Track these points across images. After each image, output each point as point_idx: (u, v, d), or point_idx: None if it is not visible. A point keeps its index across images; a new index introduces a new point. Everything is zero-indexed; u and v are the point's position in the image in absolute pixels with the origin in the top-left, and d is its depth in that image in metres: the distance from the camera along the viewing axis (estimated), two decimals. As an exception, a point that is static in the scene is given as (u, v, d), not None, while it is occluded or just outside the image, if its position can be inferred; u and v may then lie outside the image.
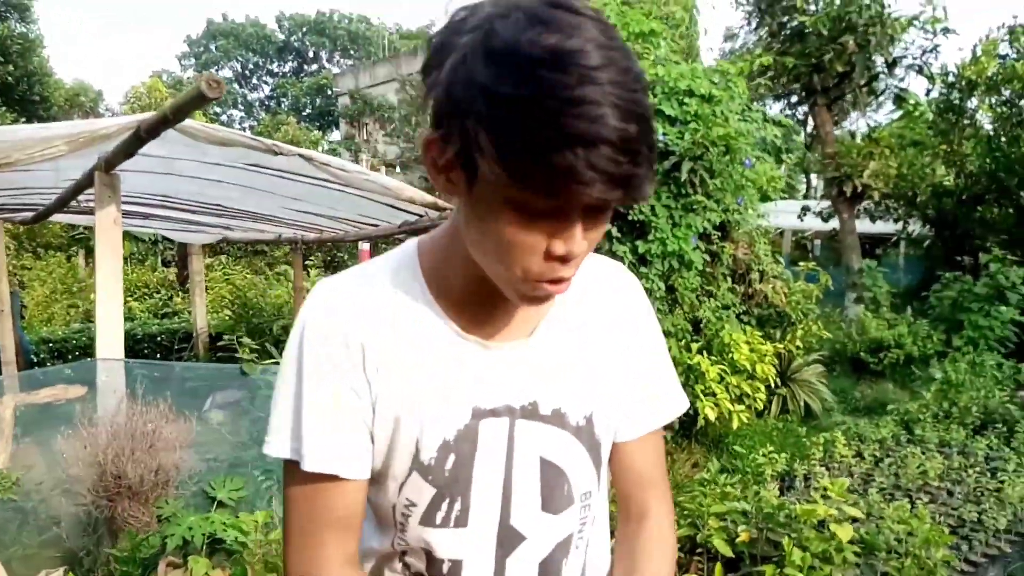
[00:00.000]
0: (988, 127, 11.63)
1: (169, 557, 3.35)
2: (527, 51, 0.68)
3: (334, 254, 18.62)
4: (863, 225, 12.86)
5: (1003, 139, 10.67)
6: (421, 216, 5.04)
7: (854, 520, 3.28)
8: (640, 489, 1.06)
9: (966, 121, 11.84)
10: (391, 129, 28.51)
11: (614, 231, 5.50)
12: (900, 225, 12.61)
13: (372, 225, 6.31)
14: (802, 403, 6.92)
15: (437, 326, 0.91)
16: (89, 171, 3.91)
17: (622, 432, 1.03)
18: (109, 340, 3.83)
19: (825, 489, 3.46)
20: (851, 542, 3.12)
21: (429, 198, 4.54)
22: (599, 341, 0.99)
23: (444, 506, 0.92)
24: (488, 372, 0.92)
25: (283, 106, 47.41)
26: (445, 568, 0.94)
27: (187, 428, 3.79)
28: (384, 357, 0.89)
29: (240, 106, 49.44)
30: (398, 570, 0.99)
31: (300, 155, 3.87)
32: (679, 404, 1.08)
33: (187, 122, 3.25)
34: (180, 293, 12.88)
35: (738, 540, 3.34)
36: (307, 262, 14.47)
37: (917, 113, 11.77)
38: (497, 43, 0.70)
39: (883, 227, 13.46)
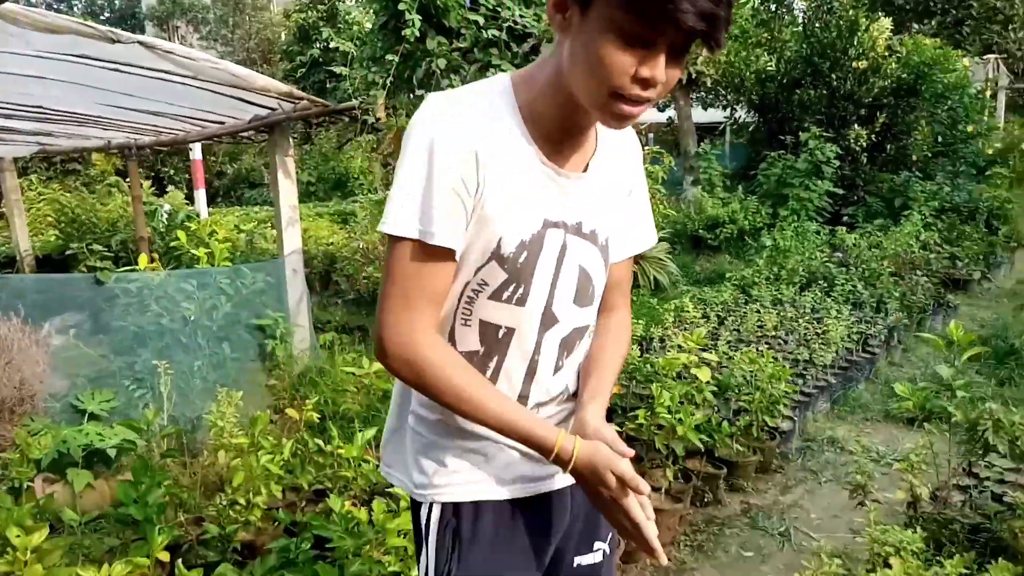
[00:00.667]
0: (802, 16, 12.43)
1: (45, 473, 3.23)
2: None
3: (159, 169, 17.28)
4: (695, 115, 13.55)
5: (816, 26, 11.44)
6: (274, 109, 4.79)
7: (708, 366, 3.67)
8: (614, 293, 1.39)
9: (784, 10, 12.59)
10: (207, 31, 26.10)
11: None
12: (729, 112, 13.39)
13: (218, 123, 5.91)
14: (652, 278, 7.45)
15: (527, 150, 1.16)
16: None
17: (614, 253, 1.33)
18: (-60, 254, 3.50)
19: (680, 347, 3.83)
20: (707, 384, 3.51)
21: (283, 87, 4.34)
22: (620, 183, 1.31)
23: (511, 288, 1.19)
24: (557, 193, 1.19)
25: (76, 10, 42.26)
26: (500, 334, 1.22)
27: (45, 341, 3.59)
28: (489, 163, 1.12)
29: (23, 11, 43.35)
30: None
31: (140, 43, 3.57)
32: (652, 238, 1.43)
33: (7, 5, 2.91)
34: (-11, 218, 11.59)
35: (611, 393, 3.66)
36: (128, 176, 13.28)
37: (742, 0, 12.35)
38: None
39: (713, 115, 14.25)
